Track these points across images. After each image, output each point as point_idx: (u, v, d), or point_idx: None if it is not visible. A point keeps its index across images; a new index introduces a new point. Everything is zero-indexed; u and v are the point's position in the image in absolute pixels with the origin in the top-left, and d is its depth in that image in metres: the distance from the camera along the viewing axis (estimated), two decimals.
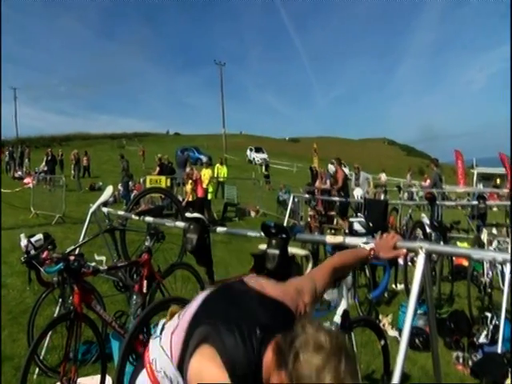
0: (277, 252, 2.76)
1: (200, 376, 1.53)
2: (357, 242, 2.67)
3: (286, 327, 1.62)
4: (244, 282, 1.81)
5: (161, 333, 1.90)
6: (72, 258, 3.69)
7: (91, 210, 4.97)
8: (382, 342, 3.62)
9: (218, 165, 20.34)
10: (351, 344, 3.36)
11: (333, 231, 9.57)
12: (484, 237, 6.60)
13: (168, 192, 11.44)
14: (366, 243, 2.40)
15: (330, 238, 2.78)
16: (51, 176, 20.58)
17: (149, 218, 4.25)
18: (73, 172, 24.87)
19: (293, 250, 3.32)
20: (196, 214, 3.33)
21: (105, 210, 5.11)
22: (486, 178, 30.72)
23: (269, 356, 1.52)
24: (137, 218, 4.37)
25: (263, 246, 3.26)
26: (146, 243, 4.39)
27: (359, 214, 7.21)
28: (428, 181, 21.12)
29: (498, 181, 29.35)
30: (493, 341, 5.34)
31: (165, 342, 1.81)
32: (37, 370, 4.38)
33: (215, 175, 19.43)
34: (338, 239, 2.73)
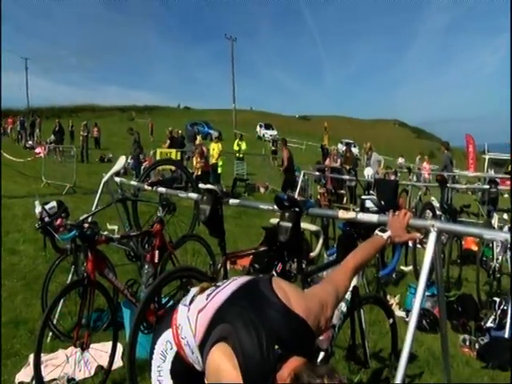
0: (290, 225, 2.77)
1: (217, 371, 1.62)
2: (369, 218, 2.66)
3: (304, 348, 1.69)
4: (272, 286, 1.82)
5: (190, 303, 1.94)
6: (86, 225, 3.72)
7: (104, 180, 4.96)
8: (391, 321, 3.64)
9: (237, 141, 20.33)
10: (360, 320, 3.40)
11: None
12: (495, 222, 6.55)
13: (179, 164, 11.46)
14: (382, 231, 2.37)
15: (343, 214, 2.76)
16: (62, 146, 20.62)
17: (161, 189, 4.26)
18: (81, 143, 24.73)
19: (304, 225, 3.33)
20: (209, 186, 3.34)
21: (117, 179, 5.11)
22: (497, 164, 30.28)
23: (283, 376, 1.56)
24: (149, 188, 4.38)
25: (274, 221, 3.27)
26: (158, 213, 4.41)
27: (371, 192, 7.18)
28: (427, 164, 21.04)
29: (510, 167, 28.96)
30: (500, 325, 5.35)
31: (191, 316, 1.87)
32: (50, 334, 4.47)
33: (237, 150, 19.53)
34: (351, 215, 2.72)
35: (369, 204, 4.17)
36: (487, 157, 30.12)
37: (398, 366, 2.28)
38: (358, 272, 2.38)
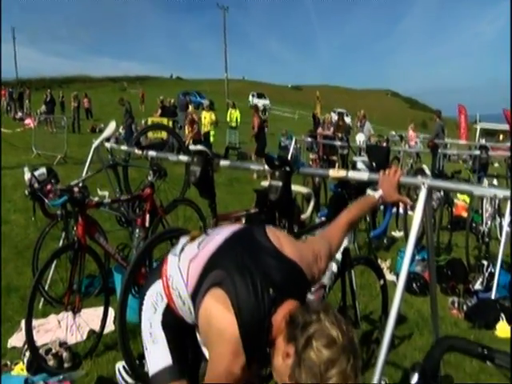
0: (280, 184, 2.76)
1: (209, 316, 1.60)
2: (359, 176, 2.65)
3: (299, 292, 1.68)
4: (266, 232, 1.80)
5: (180, 253, 1.90)
6: (76, 189, 3.69)
7: (94, 145, 4.89)
8: (382, 282, 3.67)
9: (230, 109, 20.13)
10: (351, 281, 3.43)
11: None
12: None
13: (170, 129, 11.35)
14: (374, 190, 2.37)
15: (334, 172, 2.74)
16: (53, 116, 20.39)
17: (152, 153, 4.20)
18: (72, 114, 24.38)
19: (295, 187, 3.33)
20: (200, 147, 3.30)
21: (108, 145, 5.03)
22: (489, 134, 30.38)
23: (278, 319, 1.56)
24: (140, 152, 4.33)
25: (266, 183, 3.26)
26: (149, 178, 4.38)
27: (362, 154, 7.16)
28: (413, 132, 20.98)
29: (501, 137, 29.04)
30: (487, 288, 5.43)
31: (182, 265, 1.83)
32: (42, 300, 4.49)
33: (229, 120, 19.39)
34: (342, 173, 2.71)
35: (360, 165, 4.18)
36: (479, 127, 30.14)
37: (386, 325, 2.28)
38: (351, 229, 2.36)
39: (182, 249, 1.92)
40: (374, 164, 4.44)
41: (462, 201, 8.92)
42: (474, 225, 6.80)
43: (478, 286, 5.55)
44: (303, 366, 1.40)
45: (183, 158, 3.78)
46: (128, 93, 48.72)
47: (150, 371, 1.86)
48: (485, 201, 6.58)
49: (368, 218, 5.75)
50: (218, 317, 1.56)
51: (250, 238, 1.78)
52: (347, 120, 27.65)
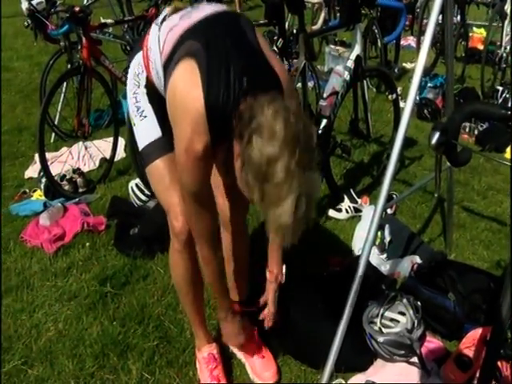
0: None
1: (176, 88, 1.49)
2: None
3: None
4: (254, 29, 1.60)
5: (161, 22, 1.72)
6: (77, 9, 3.50)
7: None
8: (394, 96, 3.61)
9: None
10: (363, 92, 3.37)
11: None
12: (508, 7, 6.14)
13: None
14: None
15: None
16: None
17: None
18: None
19: None
20: None
21: None
22: None
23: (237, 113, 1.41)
24: None
25: None
26: None
27: None
28: None
29: None
30: None
31: (162, 34, 1.67)
32: (53, 135, 4.49)
33: None
34: None
35: None
36: None
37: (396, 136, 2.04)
38: None
39: (164, 19, 1.73)
40: None
41: (478, 33, 8.49)
42: (490, 55, 6.52)
43: None
44: (248, 166, 1.29)
45: None
46: None
47: (140, 146, 1.81)
48: (506, 23, 6.20)
49: (377, 29, 5.33)
50: (184, 90, 1.46)
51: (237, 26, 1.58)
52: None
